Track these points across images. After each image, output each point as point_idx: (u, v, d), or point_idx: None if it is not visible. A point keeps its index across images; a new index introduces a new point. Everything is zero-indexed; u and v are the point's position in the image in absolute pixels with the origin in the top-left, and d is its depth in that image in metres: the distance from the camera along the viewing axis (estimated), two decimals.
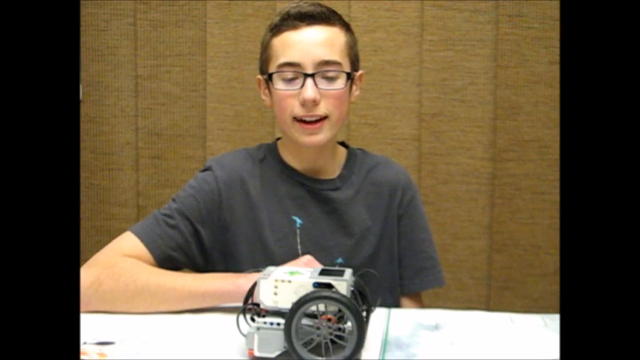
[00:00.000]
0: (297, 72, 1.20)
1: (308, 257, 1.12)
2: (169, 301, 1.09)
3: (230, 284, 1.07)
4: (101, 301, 1.09)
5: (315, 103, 1.19)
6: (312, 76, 1.19)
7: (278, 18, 1.25)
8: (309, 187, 1.28)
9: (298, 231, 1.25)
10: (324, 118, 1.21)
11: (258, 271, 0.98)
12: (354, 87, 1.28)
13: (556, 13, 2.01)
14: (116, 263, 1.13)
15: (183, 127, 2.15)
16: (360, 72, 1.30)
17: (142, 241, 1.18)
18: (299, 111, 1.20)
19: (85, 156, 2.15)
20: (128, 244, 1.18)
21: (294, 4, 1.24)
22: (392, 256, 1.32)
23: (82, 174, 2.15)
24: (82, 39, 2.12)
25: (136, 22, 2.13)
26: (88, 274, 1.10)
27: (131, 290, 1.09)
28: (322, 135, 1.22)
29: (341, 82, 1.22)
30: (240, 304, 1.05)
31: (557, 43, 2.01)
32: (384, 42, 2.06)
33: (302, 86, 1.19)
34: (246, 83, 2.08)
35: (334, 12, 1.26)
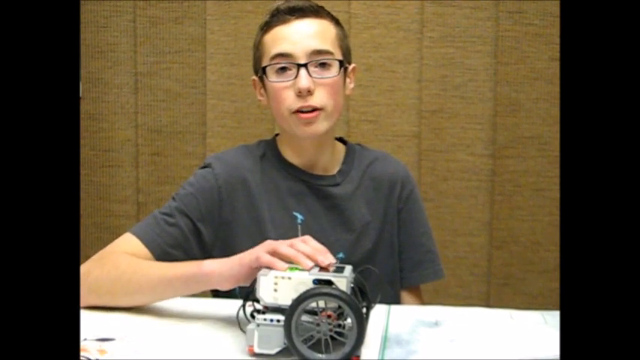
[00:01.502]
0: (290, 63, 1.20)
1: (267, 242, 1.01)
2: (143, 287, 1.10)
3: (194, 267, 1.06)
4: (89, 292, 1.10)
5: (310, 92, 1.19)
6: (305, 65, 1.19)
7: (268, 16, 1.26)
8: (309, 183, 1.29)
9: (299, 227, 1.26)
10: (320, 109, 1.21)
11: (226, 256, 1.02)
12: (347, 80, 1.29)
13: (556, 9, 2.01)
14: (106, 255, 1.15)
15: (183, 123, 2.14)
16: (352, 65, 1.30)
17: (141, 239, 1.18)
18: (295, 103, 1.20)
19: (85, 153, 2.15)
20: (127, 243, 1.18)
21: (283, 1, 1.26)
22: (392, 250, 1.32)
23: (82, 171, 2.15)
24: (82, 36, 2.12)
25: (136, 19, 2.12)
26: (82, 268, 1.11)
27: (112, 277, 1.10)
28: (319, 125, 1.22)
29: (334, 70, 1.22)
30: (206, 289, 1.07)
31: (557, 40, 2.01)
32: (384, 39, 2.06)
33: (296, 77, 1.20)
34: (246, 80, 2.08)
35: (322, 7, 1.28)
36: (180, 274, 1.07)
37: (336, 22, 1.28)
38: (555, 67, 2.02)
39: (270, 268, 0.93)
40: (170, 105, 2.14)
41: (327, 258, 0.94)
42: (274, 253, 0.96)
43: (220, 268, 1.03)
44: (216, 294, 1.27)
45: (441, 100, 2.06)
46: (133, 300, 1.10)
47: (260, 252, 0.97)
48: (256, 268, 0.95)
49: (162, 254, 1.18)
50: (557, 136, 2.01)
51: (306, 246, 0.96)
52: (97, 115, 2.16)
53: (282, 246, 0.96)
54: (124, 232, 1.21)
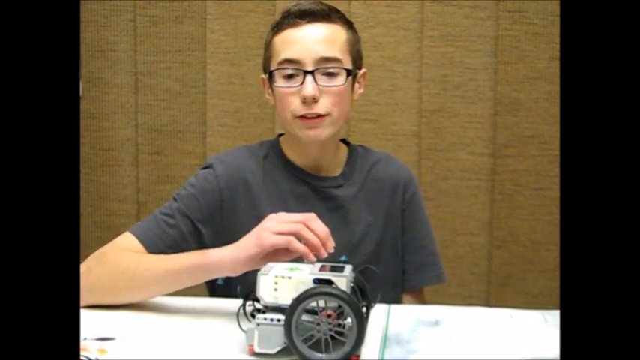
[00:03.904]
0: (297, 69, 1.20)
1: (281, 214, 1.08)
2: (148, 281, 1.10)
3: (200, 257, 1.08)
4: (91, 290, 1.10)
5: (314, 100, 1.19)
6: (312, 72, 1.19)
7: (279, 17, 1.25)
8: (312, 185, 1.28)
9: None
10: (325, 115, 1.21)
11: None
12: (356, 85, 1.29)
13: (556, 9, 2.01)
14: (105, 253, 1.15)
15: (183, 123, 2.14)
16: (363, 70, 1.30)
17: (141, 240, 1.18)
18: (300, 109, 1.20)
19: (85, 152, 2.15)
20: (126, 242, 1.18)
21: (295, 3, 1.25)
22: (395, 252, 1.32)
23: (82, 170, 2.15)
24: (82, 35, 2.12)
25: (136, 19, 2.12)
26: (82, 267, 1.11)
27: (114, 274, 1.10)
28: (322, 130, 1.21)
29: (341, 79, 1.21)
30: (214, 277, 1.08)
31: (558, 39, 2.01)
32: (383, 38, 2.06)
33: (302, 83, 1.19)
34: (246, 79, 2.08)
35: (336, 10, 1.26)
36: (187, 266, 1.08)
37: (349, 26, 1.27)
38: (555, 66, 2.02)
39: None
40: (170, 104, 2.14)
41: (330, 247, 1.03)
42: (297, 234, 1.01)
43: (233, 254, 1.04)
44: (214, 293, 1.27)
45: (441, 100, 2.06)
46: (137, 295, 1.11)
47: (275, 239, 1.02)
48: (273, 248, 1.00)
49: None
50: (558, 135, 2.01)
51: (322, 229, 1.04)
52: (97, 115, 2.16)
53: (306, 232, 1.02)
54: (125, 231, 1.21)
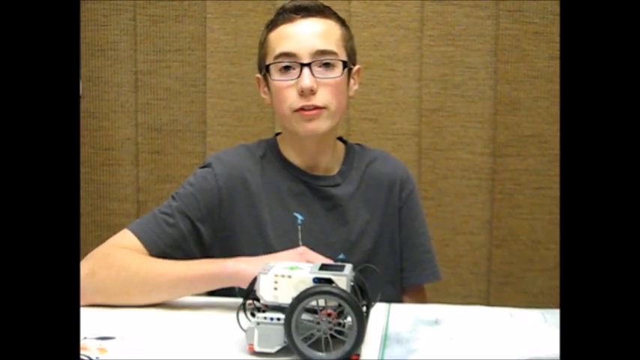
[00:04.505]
0: (293, 62, 1.20)
1: (302, 248, 1.12)
2: (161, 287, 1.10)
3: (217, 267, 1.09)
4: (96, 292, 1.10)
5: (312, 91, 1.19)
6: (309, 65, 1.19)
7: (274, 14, 1.27)
8: (309, 183, 1.28)
9: (300, 227, 1.26)
10: (322, 108, 1.21)
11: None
12: (352, 81, 1.29)
13: (556, 8, 2.01)
14: (110, 254, 1.15)
15: (183, 122, 2.14)
16: (357, 67, 1.30)
17: (140, 239, 1.18)
18: (297, 102, 1.20)
19: (85, 151, 2.15)
20: (126, 241, 1.18)
21: (289, 1, 1.26)
22: (393, 250, 1.33)
23: (82, 169, 2.15)
24: (82, 34, 2.12)
25: (136, 18, 2.12)
26: (83, 266, 1.11)
27: (123, 278, 1.10)
28: (321, 123, 1.22)
29: (338, 71, 1.22)
30: (229, 287, 1.07)
31: (557, 39, 2.01)
32: (383, 37, 2.06)
33: (299, 76, 1.19)
34: (246, 78, 2.08)
35: (329, 8, 1.28)
36: (203, 274, 1.09)
37: (342, 22, 1.28)
38: (555, 65, 2.02)
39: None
40: (170, 103, 2.14)
41: None
42: None
43: (254, 271, 0.98)
44: (213, 292, 1.27)
45: (441, 99, 2.06)
46: (147, 300, 1.11)
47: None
48: None
49: (160, 254, 1.18)
50: (557, 134, 2.01)
51: None
52: (97, 114, 2.16)
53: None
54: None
